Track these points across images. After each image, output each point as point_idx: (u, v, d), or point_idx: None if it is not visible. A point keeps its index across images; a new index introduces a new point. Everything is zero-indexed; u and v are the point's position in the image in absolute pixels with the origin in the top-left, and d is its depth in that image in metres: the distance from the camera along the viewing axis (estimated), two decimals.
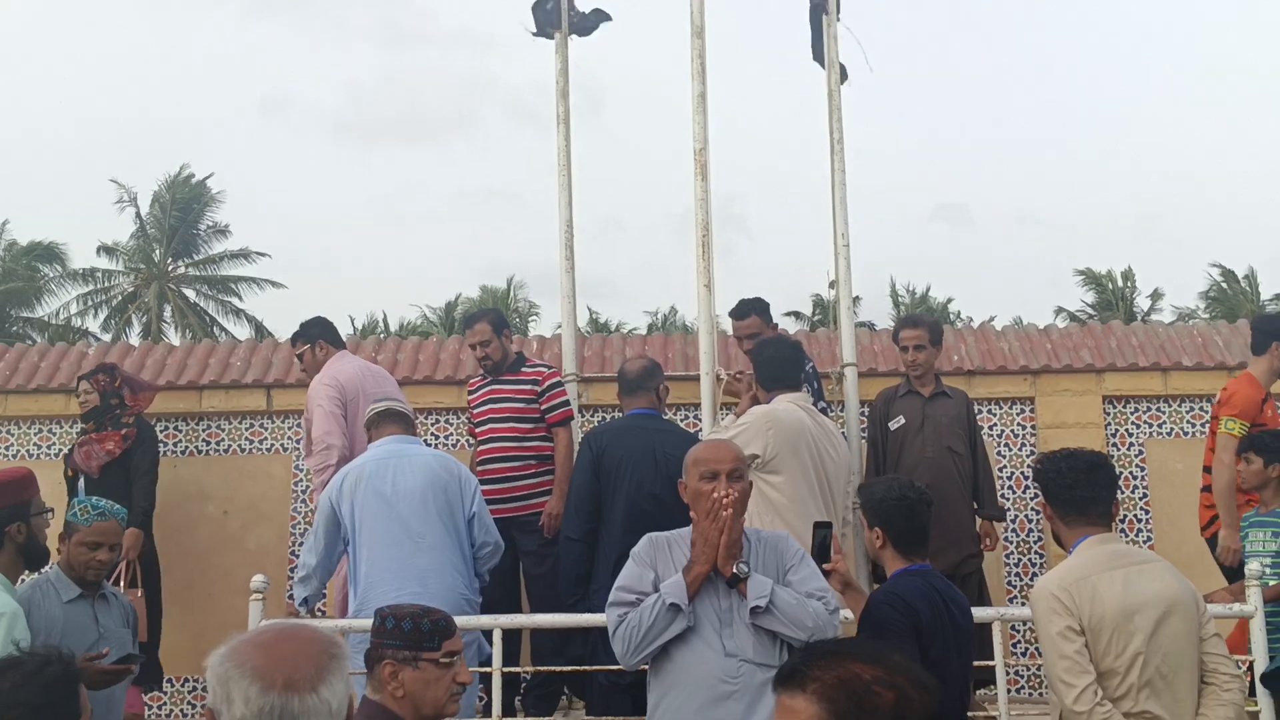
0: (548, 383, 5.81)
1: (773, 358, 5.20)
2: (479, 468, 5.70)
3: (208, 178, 34.88)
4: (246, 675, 1.61)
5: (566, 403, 5.85)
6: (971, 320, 36.23)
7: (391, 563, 4.61)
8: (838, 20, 6.61)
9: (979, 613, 4.77)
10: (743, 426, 4.90)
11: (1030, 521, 6.83)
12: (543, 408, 5.75)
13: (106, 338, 32.16)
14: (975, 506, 5.87)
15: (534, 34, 6.68)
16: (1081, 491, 3.35)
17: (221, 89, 62.61)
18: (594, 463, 5.12)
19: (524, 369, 5.88)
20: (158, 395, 6.74)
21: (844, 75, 6.61)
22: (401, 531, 4.68)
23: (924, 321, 6.15)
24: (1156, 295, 36.06)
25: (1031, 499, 6.75)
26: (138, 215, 34.19)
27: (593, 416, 7.03)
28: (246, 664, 1.63)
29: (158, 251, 34.29)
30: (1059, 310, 35.72)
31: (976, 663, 3.62)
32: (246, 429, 7.11)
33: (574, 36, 6.68)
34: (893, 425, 5.83)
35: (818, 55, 6.70)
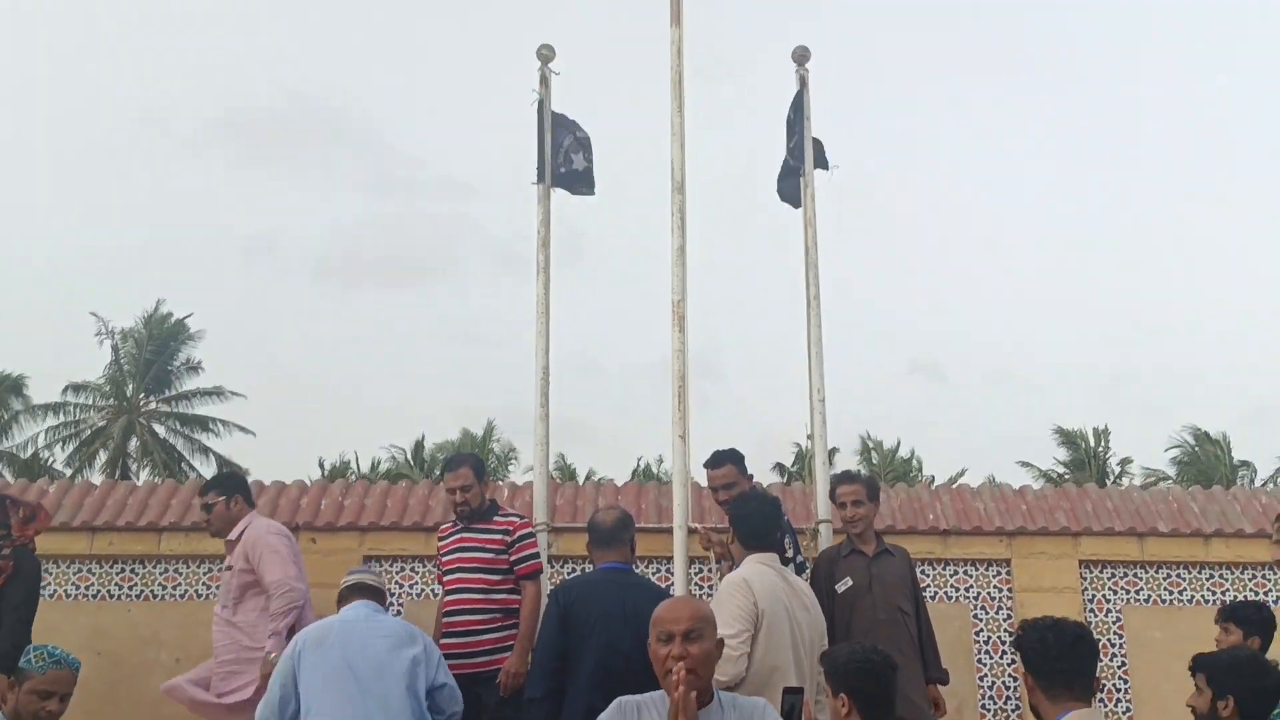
0: (518, 533, 5.65)
1: (754, 513, 5.05)
2: (445, 619, 5.53)
3: (186, 317, 35.00)
4: None
5: (536, 555, 5.67)
6: (934, 478, 36.33)
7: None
8: (814, 170, 6.75)
9: None
10: (723, 613, 4.72)
11: (1008, 689, 6.66)
12: (512, 559, 5.58)
13: (69, 472, 31.70)
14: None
15: (533, 183, 6.78)
16: (1065, 664, 3.25)
17: (207, 231, 63.34)
18: (561, 618, 4.92)
19: (496, 517, 5.73)
20: (115, 536, 6.57)
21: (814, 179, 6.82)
22: (359, 695, 4.50)
23: (859, 478, 6.04)
24: (1126, 461, 36.31)
25: (1009, 665, 6.61)
26: (114, 349, 34.14)
27: (563, 567, 6.89)
28: None
29: (130, 387, 34.12)
30: (1027, 464, 35.89)
31: None
32: (205, 574, 6.91)
33: (556, 189, 6.80)
34: (840, 588, 5.63)
35: (786, 196, 6.84)
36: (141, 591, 6.89)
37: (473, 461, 5.88)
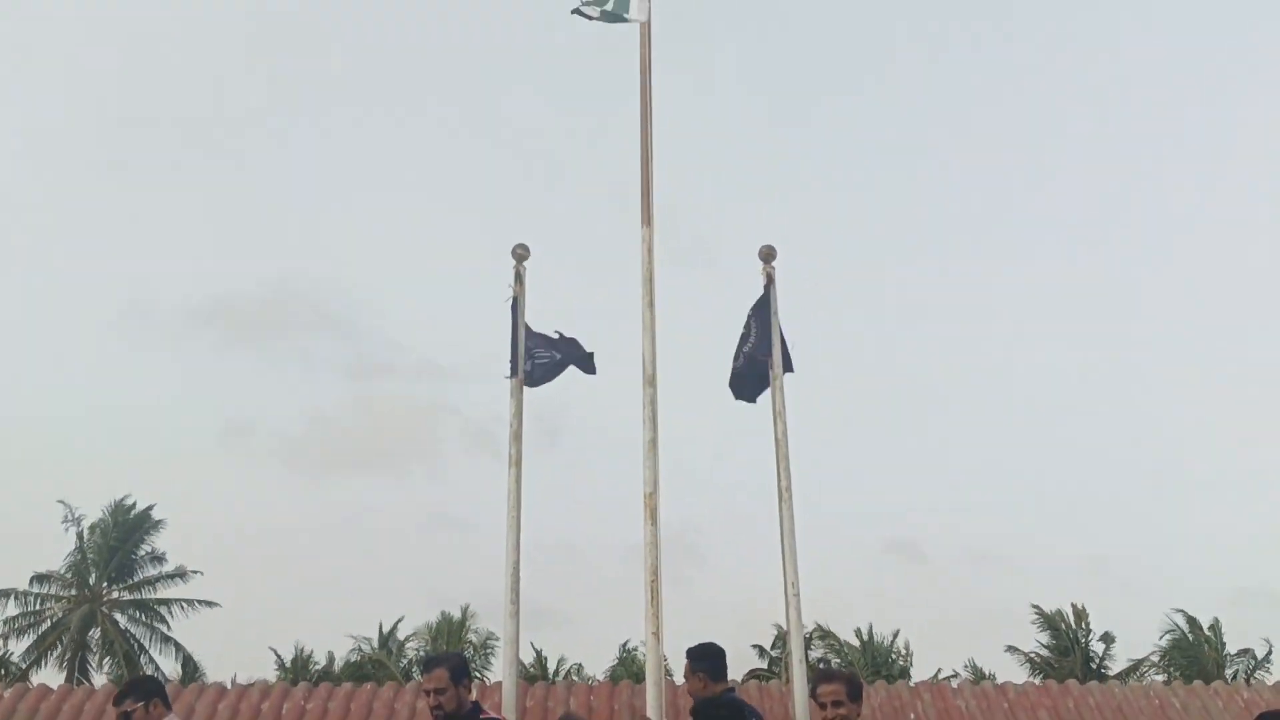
0: None
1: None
2: None
3: (150, 508, 34.61)
4: None
5: None
6: (912, 652, 35.55)
7: None
8: (783, 373, 6.86)
9: None
10: None
11: None
12: None
13: (25, 663, 30.64)
14: None
15: (506, 377, 6.86)
16: None
17: (185, 416, 63.35)
18: None
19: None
20: None
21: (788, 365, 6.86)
22: None
23: (840, 675, 5.88)
24: (1108, 638, 35.66)
25: None
26: (80, 536, 33.57)
27: None
28: None
29: (94, 575, 33.40)
30: (1013, 649, 35.17)
31: None
32: None
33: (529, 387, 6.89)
34: None
35: (741, 395, 6.92)
36: None
37: (451, 662, 5.63)
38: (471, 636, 36.64)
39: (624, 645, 36.86)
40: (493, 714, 5.71)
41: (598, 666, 37.60)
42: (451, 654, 6.04)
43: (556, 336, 7.05)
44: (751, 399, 6.91)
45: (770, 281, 7.10)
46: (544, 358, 6.96)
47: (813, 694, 5.83)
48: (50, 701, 6.85)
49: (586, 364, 7.06)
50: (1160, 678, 31.23)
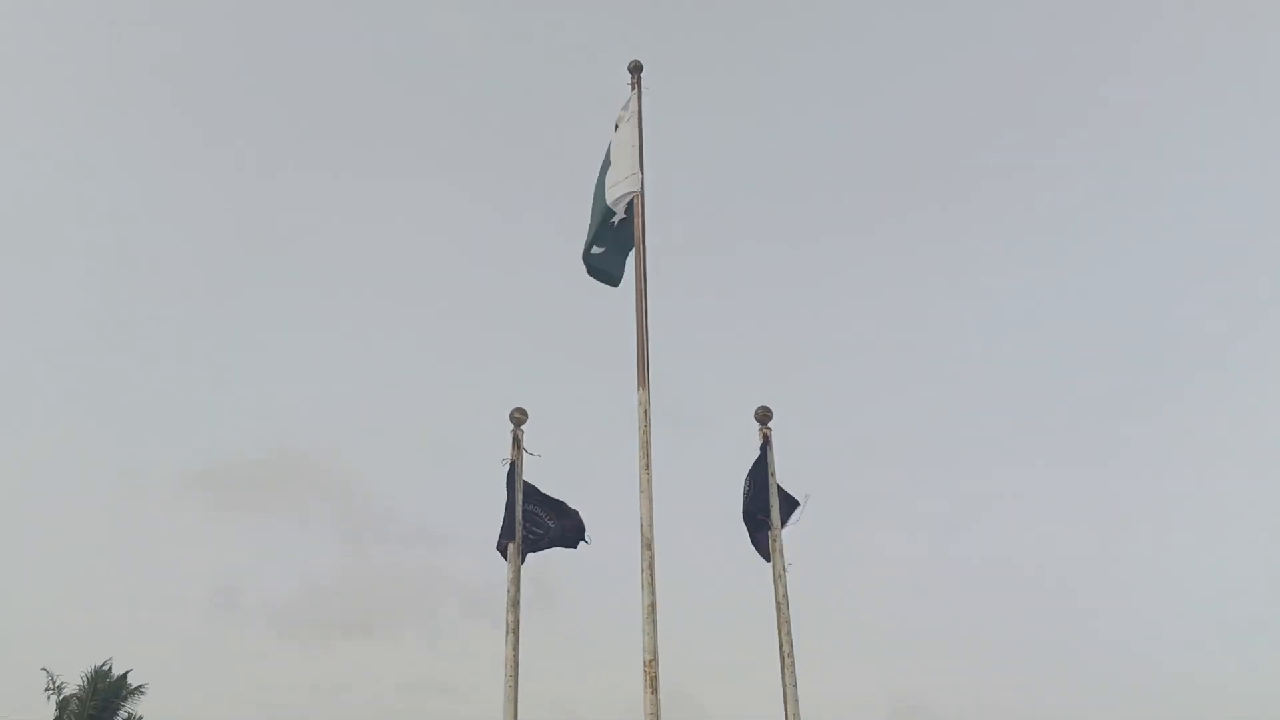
0: None
1: None
2: None
3: (127, 673, 33.81)
4: None
5: None
6: None
7: None
8: (780, 526, 6.84)
9: None
10: None
11: None
12: None
13: None
14: None
15: (499, 548, 6.86)
16: None
17: (172, 584, 62.42)
18: None
19: None
20: None
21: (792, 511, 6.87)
22: None
23: None
24: None
25: None
26: (59, 706, 32.64)
27: None
28: None
29: None
30: None
31: None
32: None
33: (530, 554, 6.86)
34: None
35: (758, 545, 6.92)
36: None
37: None
38: None
39: None
40: None
41: None
42: None
43: (555, 503, 7.06)
44: (765, 556, 6.93)
45: (767, 442, 7.15)
46: (535, 531, 6.97)
47: None
48: None
49: (574, 538, 7.06)
50: None
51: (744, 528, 7.16)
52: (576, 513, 7.08)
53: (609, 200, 7.33)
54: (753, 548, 7.15)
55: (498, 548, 6.84)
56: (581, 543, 7.06)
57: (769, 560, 6.92)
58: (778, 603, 6.66)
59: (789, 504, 7.09)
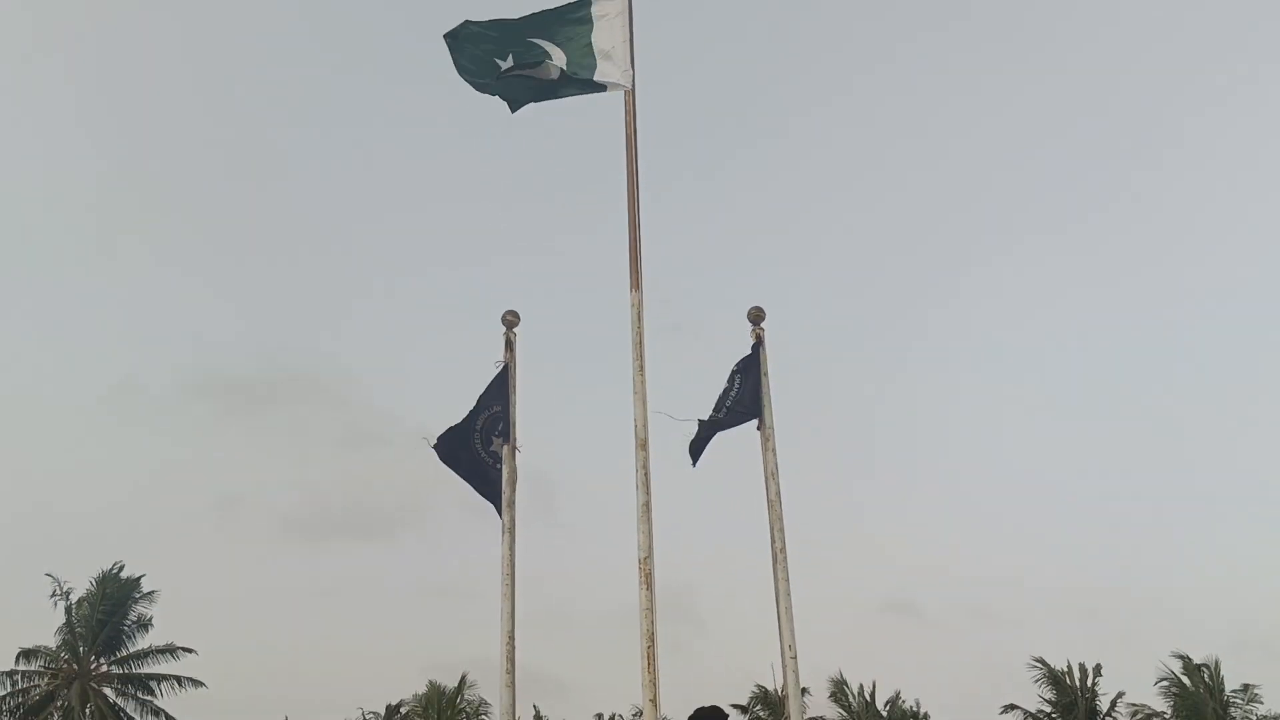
0: None
1: None
2: None
3: (140, 577, 34.30)
4: None
5: None
6: (927, 716, 35.20)
7: None
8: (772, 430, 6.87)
9: None
10: None
11: None
12: None
13: None
14: None
15: (499, 442, 6.85)
16: None
17: (178, 490, 63.11)
18: None
19: None
20: None
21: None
22: None
23: None
24: (1120, 695, 35.40)
25: None
26: (68, 610, 33.19)
27: None
28: None
29: (82, 649, 32.98)
30: (1013, 707, 34.85)
31: None
32: None
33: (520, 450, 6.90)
34: None
35: (695, 453, 6.90)
36: None
37: None
38: (466, 708, 36.21)
39: (608, 702, 36.46)
40: None
41: None
42: None
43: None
44: (694, 460, 6.88)
45: (759, 343, 7.15)
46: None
47: None
48: None
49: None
50: None
51: (712, 417, 7.04)
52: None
53: (594, 76, 7.15)
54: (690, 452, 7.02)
55: (492, 449, 6.87)
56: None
57: (694, 464, 6.88)
58: (770, 500, 6.72)
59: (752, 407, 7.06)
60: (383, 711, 36.52)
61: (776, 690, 32.54)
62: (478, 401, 6.92)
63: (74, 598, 33.09)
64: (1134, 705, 35.12)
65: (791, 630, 6.35)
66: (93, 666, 33.14)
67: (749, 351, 7.04)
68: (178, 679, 33.12)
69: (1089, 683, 35.87)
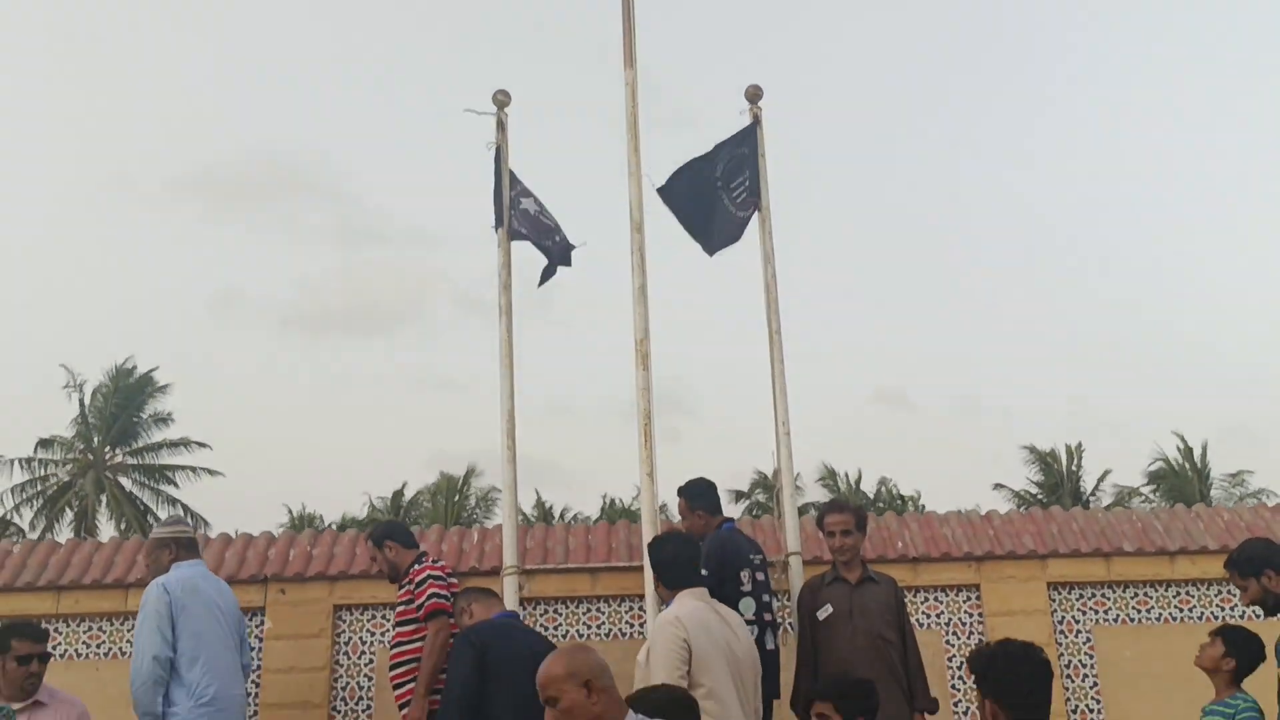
0: (418, 579, 5.74)
1: (670, 558, 5.11)
2: None
3: (153, 370, 34.75)
4: None
5: (435, 595, 5.65)
6: (914, 500, 36.43)
7: (222, 662, 5.49)
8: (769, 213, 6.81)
9: None
10: (656, 652, 4.78)
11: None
12: (416, 604, 5.65)
13: (35, 532, 31.26)
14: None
15: (493, 228, 6.81)
16: (1039, 696, 3.30)
17: (175, 286, 63.21)
18: (477, 660, 4.91)
19: (409, 569, 5.84)
20: (81, 594, 6.56)
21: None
22: (231, 637, 5.61)
23: (849, 507, 6.06)
24: (1105, 475, 36.52)
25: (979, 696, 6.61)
26: (81, 403, 33.83)
27: (535, 609, 6.87)
28: None
29: (96, 440, 33.78)
30: (1000, 486, 36.02)
31: None
32: None
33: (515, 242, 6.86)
34: (821, 615, 5.65)
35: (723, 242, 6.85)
36: (109, 650, 6.81)
37: (373, 533, 6.11)
38: (473, 494, 37.44)
39: (604, 496, 37.75)
40: (431, 563, 5.89)
41: (593, 517, 38.51)
42: (379, 524, 6.33)
43: (538, 213, 6.94)
44: (712, 250, 6.82)
45: (756, 122, 7.00)
46: (545, 239, 6.91)
47: (820, 525, 6.03)
48: (59, 555, 7.02)
49: (563, 258, 6.98)
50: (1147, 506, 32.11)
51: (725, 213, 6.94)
52: (561, 235, 6.97)
53: None
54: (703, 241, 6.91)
55: (492, 228, 6.82)
56: (562, 266, 6.98)
57: (710, 255, 6.83)
58: (766, 283, 6.73)
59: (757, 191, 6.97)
60: (389, 498, 37.75)
61: (770, 474, 33.54)
62: (506, 184, 6.87)
63: (87, 390, 33.69)
64: (1118, 486, 36.33)
65: (786, 408, 6.47)
66: (108, 457, 34.03)
67: (743, 130, 6.90)
68: (194, 469, 34.07)
69: (1074, 465, 36.97)
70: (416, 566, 5.82)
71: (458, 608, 5.53)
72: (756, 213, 6.83)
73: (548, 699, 3.15)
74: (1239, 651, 4.87)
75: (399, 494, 37.80)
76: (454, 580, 5.89)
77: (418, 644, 5.58)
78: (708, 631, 4.76)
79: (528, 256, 6.97)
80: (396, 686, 5.67)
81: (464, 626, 5.34)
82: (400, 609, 5.80)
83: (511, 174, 6.94)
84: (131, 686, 5.33)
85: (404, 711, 5.54)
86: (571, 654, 3.27)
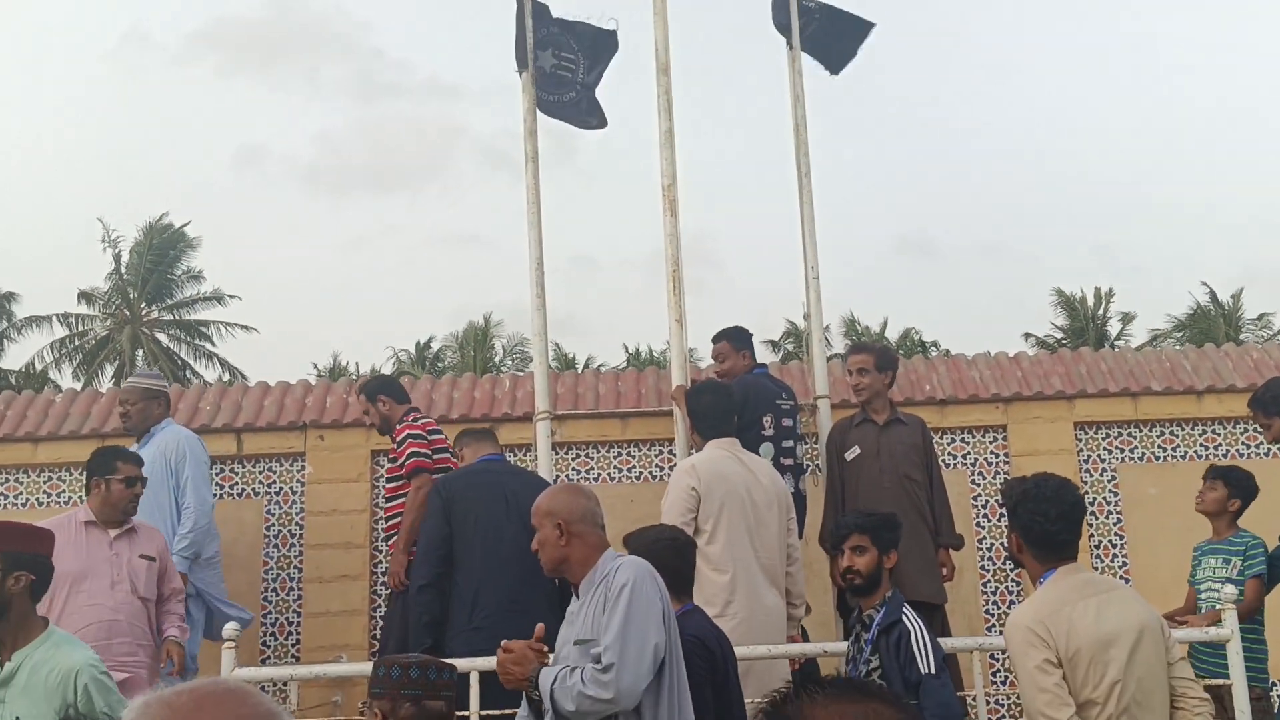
0: (399, 437, 5.82)
1: (707, 406, 5.21)
2: None
3: (185, 225, 34.82)
4: None
5: (415, 455, 5.73)
6: (938, 345, 36.49)
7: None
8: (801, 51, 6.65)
9: (958, 642, 4.78)
10: (667, 498, 4.94)
11: (1006, 550, 6.82)
12: (399, 463, 5.77)
13: (77, 385, 31.84)
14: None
15: (516, 71, 6.66)
16: (1064, 535, 3.36)
17: (196, 143, 62.76)
18: (444, 509, 5.07)
19: (399, 424, 5.92)
20: (126, 440, 6.72)
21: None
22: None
23: (870, 348, 6.11)
24: (1127, 319, 36.33)
25: (1006, 528, 6.74)
26: (116, 258, 34.05)
27: (566, 454, 7.00)
28: None
29: (132, 295, 34.11)
30: (1027, 335, 35.95)
31: (959, 692, 3.63)
32: (216, 474, 7.02)
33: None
34: (848, 455, 5.76)
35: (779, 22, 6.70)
36: None
37: (363, 388, 6.17)
38: (497, 343, 37.74)
39: (627, 345, 37.99)
40: (411, 421, 5.97)
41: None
42: (369, 379, 6.43)
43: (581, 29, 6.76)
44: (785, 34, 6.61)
45: None
46: (562, 72, 6.74)
47: (846, 365, 6.11)
48: (101, 404, 7.17)
49: (590, 112, 6.81)
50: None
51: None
52: (611, 34, 6.76)
53: None
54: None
55: (515, 72, 6.68)
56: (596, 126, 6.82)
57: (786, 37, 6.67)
58: (795, 124, 6.61)
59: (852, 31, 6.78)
60: (413, 349, 38.11)
61: (797, 322, 33.50)
62: (529, 25, 6.69)
63: (122, 246, 33.86)
64: (1151, 329, 36.13)
65: (815, 251, 6.44)
66: (144, 312, 34.40)
67: None
68: (228, 324, 34.43)
69: (1102, 310, 36.77)
70: (407, 422, 5.86)
71: (456, 450, 5.66)
72: (789, 49, 6.65)
73: (532, 526, 3.37)
74: (1241, 491, 4.97)
75: (424, 346, 38.13)
76: (439, 435, 5.88)
77: (403, 500, 5.69)
78: (723, 479, 4.87)
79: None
80: (387, 539, 5.92)
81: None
82: (391, 465, 5.89)
83: (539, 6, 6.72)
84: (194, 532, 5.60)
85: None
86: (556, 494, 3.45)
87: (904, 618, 3.69)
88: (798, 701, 1.40)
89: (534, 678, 3.12)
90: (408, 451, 5.68)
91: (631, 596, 3.08)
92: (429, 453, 5.71)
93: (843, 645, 4.43)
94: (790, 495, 5.28)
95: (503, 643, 3.28)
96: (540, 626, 3.32)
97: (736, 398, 5.38)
